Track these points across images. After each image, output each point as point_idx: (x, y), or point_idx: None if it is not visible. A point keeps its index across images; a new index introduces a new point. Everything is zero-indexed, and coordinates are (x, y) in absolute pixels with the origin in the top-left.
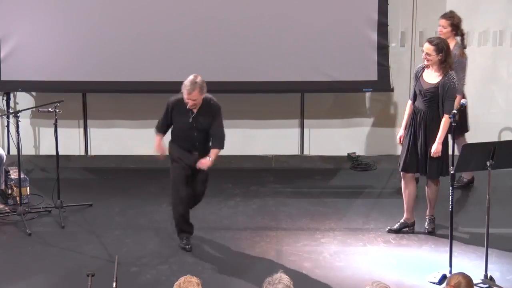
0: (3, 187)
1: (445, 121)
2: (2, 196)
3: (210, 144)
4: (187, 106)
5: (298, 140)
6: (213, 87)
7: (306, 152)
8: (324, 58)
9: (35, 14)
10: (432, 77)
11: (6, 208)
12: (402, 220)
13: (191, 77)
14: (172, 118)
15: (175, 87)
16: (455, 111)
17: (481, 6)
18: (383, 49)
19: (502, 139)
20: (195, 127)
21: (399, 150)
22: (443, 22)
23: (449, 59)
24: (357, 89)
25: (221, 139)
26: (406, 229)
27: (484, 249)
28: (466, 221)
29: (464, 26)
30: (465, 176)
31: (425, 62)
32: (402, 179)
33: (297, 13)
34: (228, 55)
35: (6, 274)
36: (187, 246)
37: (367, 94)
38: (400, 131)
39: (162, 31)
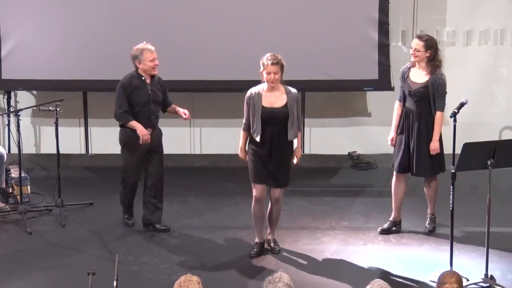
0: (3, 185)
1: (439, 118)
2: (2, 195)
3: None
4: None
5: None
6: (213, 85)
7: (306, 151)
8: (325, 57)
9: (36, 12)
10: (419, 76)
11: (7, 206)
12: (391, 219)
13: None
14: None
15: (176, 86)
16: (456, 110)
17: (481, 5)
18: (384, 48)
19: (503, 138)
20: (151, 99)
21: None
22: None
23: (437, 57)
24: (358, 88)
25: None
26: (394, 228)
27: (485, 248)
28: (466, 220)
29: (465, 25)
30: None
31: (412, 59)
32: (394, 179)
33: (298, 12)
34: (228, 54)
35: (7, 272)
36: (129, 222)
37: (368, 93)
38: (391, 134)
39: (162, 30)
